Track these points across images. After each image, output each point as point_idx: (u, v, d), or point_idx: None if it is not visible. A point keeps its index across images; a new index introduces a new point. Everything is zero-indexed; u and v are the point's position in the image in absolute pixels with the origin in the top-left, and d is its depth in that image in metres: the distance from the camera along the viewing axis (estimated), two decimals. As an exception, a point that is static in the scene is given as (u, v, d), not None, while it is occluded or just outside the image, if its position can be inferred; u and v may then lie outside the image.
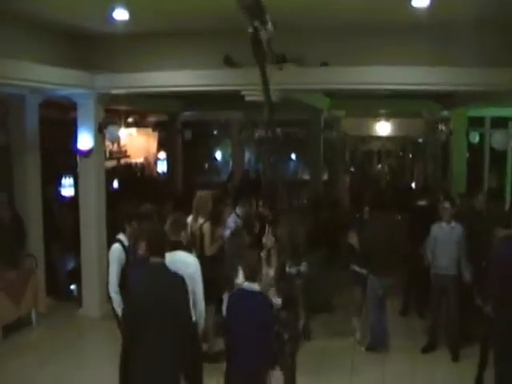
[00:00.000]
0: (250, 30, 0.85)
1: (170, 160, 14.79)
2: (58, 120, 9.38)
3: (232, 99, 7.96)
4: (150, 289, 3.94)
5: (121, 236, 5.40)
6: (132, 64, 7.24)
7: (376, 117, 14.68)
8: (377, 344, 6.73)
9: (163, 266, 4.03)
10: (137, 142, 17.13)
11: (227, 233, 6.63)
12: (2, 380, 6.00)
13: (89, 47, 7.31)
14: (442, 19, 6.06)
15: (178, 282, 4.01)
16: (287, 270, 1.35)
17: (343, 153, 15.02)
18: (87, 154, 7.73)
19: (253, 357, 4.09)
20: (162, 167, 17.16)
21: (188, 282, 4.19)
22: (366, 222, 7.00)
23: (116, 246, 5.28)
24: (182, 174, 13.99)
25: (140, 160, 17.47)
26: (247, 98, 7.45)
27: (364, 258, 6.68)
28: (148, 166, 17.90)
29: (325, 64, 6.91)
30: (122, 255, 5.24)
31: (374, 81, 6.99)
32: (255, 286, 4.23)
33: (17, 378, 6.06)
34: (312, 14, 6.20)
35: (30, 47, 6.50)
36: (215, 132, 19.05)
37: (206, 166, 19.47)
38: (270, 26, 0.91)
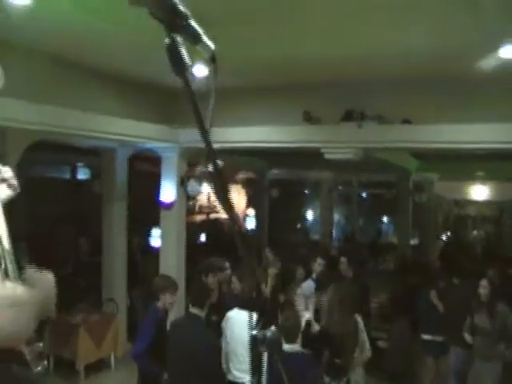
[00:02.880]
0: (167, 41, 0.76)
1: (257, 217, 14.95)
2: (149, 173, 9.85)
3: (320, 158, 7.80)
4: (180, 341, 3.95)
5: None
6: (212, 119, 7.44)
7: (472, 180, 13.96)
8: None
9: (199, 320, 4.05)
10: (227, 198, 17.52)
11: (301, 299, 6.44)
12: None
13: (173, 102, 7.60)
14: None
15: (208, 338, 4.00)
16: (252, 331, 1.14)
17: (435, 216, 14.34)
18: (169, 206, 7.98)
19: None
20: (250, 224, 17.36)
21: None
22: (454, 287, 6.56)
23: None
24: (268, 232, 14.01)
25: (230, 216, 17.80)
26: (326, 156, 7.37)
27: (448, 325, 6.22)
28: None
29: (407, 121, 6.71)
30: None
31: (459, 140, 6.54)
32: (296, 347, 4.15)
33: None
34: (392, 69, 6.07)
35: (119, 103, 6.96)
36: (305, 191, 19.09)
37: (299, 225, 19.47)
38: (206, 40, 0.81)
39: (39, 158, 10.28)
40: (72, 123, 5.98)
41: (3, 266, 1.33)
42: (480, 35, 4.91)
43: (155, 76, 6.76)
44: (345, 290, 5.57)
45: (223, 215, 17.38)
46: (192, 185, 7.94)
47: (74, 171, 12.52)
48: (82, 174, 12.63)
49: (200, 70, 6.04)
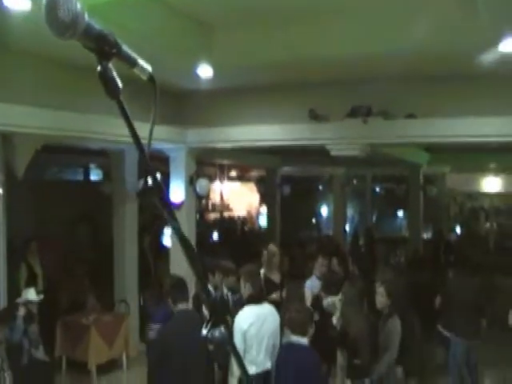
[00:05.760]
0: (99, 68, 0.79)
1: (269, 214, 14.98)
2: (160, 172, 9.96)
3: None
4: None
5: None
6: (219, 118, 7.50)
7: (484, 172, 13.83)
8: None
9: (193, 314, 4.42)
10: (240, 196, 17.63)
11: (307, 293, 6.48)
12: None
13: (180, 103, 7.69)
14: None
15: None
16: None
17: (447, 210, 14.24)
18: (178, 206, 8.03)
19: None
20: (262, 221, 17.45)
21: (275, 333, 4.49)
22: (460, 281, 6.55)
23: None
24: (280, 228, 14.04)
25: (243, 213, 17.92)
26: (332, 153, 7.39)
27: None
28: (250, 220, 18.28)
29: (412, 116, 6.69)
30: None
31: (465, 133, 6.54)
32: (303, 340, 4.19)
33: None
34: (397, 65, 6.05)
35: (125, 105, 7.02)
36: (318, 187, 19.07)
37: (312, 221, 19.47)
38: (142, 64, 0.83)
39: (53, 160, 10.46)
40: (76, 126, 6.03)
41: None
42: (481, 29, 4.90)
43: (161, 77, 6.79)
44: (353, 289, 5.55)
45: (237, 213, 17.50)
46: (201, 184, 8.00)
47: (86, 173, 12.68)
48: (95, 175, 12.80)
49: (205, 71, 6.07)
